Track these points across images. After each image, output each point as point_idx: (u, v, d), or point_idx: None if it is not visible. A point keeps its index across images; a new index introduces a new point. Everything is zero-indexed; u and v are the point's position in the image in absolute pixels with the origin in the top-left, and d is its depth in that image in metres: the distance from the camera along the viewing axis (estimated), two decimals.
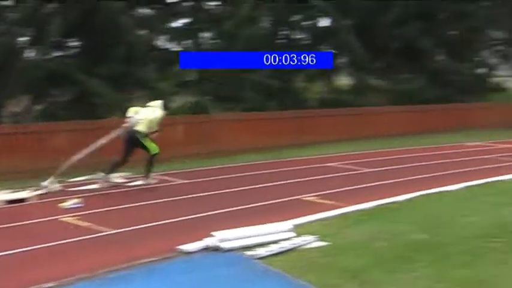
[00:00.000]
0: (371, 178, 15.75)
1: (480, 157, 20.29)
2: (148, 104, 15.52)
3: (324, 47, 31.87)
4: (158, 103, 15.44)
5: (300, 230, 9.78)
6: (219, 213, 11.63)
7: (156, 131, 15.15)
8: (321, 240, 9.25)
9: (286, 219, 10.33)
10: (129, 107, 15.77)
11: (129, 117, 14.95)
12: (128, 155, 14.82)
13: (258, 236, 9.23)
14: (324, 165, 18.18)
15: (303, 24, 31.51)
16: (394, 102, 30.29)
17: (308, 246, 9.03)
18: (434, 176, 16.13)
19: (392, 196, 12.65)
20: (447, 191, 13.51)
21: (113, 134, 15.10)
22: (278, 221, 10.04)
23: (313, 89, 32.57)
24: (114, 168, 14.86)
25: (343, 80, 33.02)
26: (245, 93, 25.21)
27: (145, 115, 14.91)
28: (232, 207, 12.05)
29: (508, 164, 18.65)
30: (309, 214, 11.01)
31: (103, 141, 15.00)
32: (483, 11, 32.08)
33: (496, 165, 18.21)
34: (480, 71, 35.85)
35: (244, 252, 8.70)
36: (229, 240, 8.99)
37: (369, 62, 29.94)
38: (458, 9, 31.72)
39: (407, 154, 20.82)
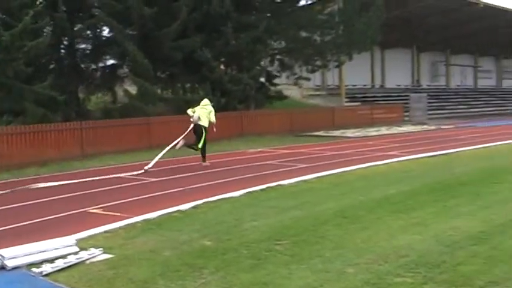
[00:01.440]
0: (157, 188, 15.77)
1: (261, 163, 20.92)
2: (202, 104, 20.91)
3: (107, 57, 31.77)
4: (207, 101, 21.20)
5: (85, 243, 9.61)
6: (4, 230, 11.13)
7: (214, 124, 20.65)
8: (107, 252, 9.14)
9: (72, 233, 10.13)
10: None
11: (191, 115, 20.45)
12: (198, 139, 20.21)
13: (44, 252, 8.93)
14: (109, 176, 17.97)
15: (85, 34, 31.12)
16: (178, 111, 30.60)
17: (94, 259, 8.87)
18: (218, 183, 16.42)
19: (178, 205, 12.73)
20: (231, 197, 13.78)
21: (190, 128, 20.61)
22: (64, 235, 9.81)
23: (97, 100, 32.25)
24: (203, 153, 20.56)
25: (128, 90, 32.83)
26: (26, 105, 24.40)
27: (203, 112, 20.45)
28: (17, 223, 11.61)
29: (288, 168, 19.36)
30: (94, 227, 10.82)
31: (187, 132, 20.73)
32: (264, 22, 33.06)
33: (276, 170, 18.86)
34: (261, 79, 36.96)
35: (30, 270, 8.42)
36: (14, 257, 8.63)
37: (152, 72, 29.99)
38: (240, 21, 32.52)
39: (191, 162, 21.02)
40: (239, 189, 14.62)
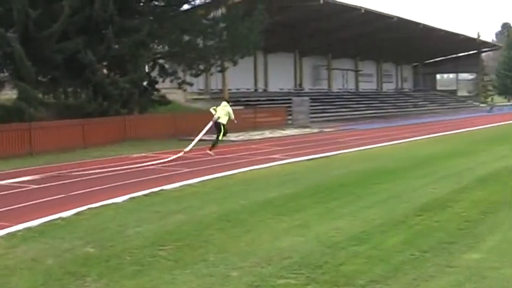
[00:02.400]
0: (39, 195, 15.38)
1: (145, 168, 20.77)
2: (222, 104, 26.75)
3: None
4: (225, 103, 27.10)
5: None
6: None
7: (232, 120, 26.58)
8: None
9: None
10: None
11: (213, 113, 26.06)
12: (218, 133, 25.76)
13: None
14: None
15: None
16: (60, 116, 30.01)
17: None
18: (101, 188, 16.23)
19: (60, 212, 12.51)
20: (114, 203, 13.68)
21: (211, 122, 26.31)
22: None
23: None
24: (215, 143, 25.80)
25: (8, 94, 31.93)
26: None
27: (223, 111, 26.17)
28: None
29: (171, 173, 19.34)
30: None
31: (208, 125, 26.61)
32: (147, 26, 32.79)
33: (160, 175, 18.78)
34: (144, 84, 36.64)
35: None
36: None
37: (34, 75, 29.27)
38: (123, 24, 32.12)
39: (72, 168, 20.62)
40: (122, 195, 14.52)
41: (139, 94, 34.33)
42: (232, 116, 26.53)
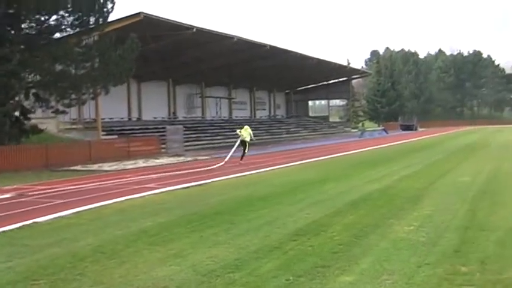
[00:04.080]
0: None
1: (16, 200, 20.24)
2: (244, 127, 36.60)
3: None
4: (247, 126, 37.07)
5: None
6: None
7: (252, 139, 37.11)
8: None
9: None
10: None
11: (239, 134, 36.25)
12: (244, 149, 35.75)
13: None
14: None
15: None
16: None
17: None
18: None
19: None
20: None
21: (238, 141, 36.16)
22: None
23: None
24: (243, 155, 35.68)
25: None
26: None
27: (246, 132, 36.11)
28: None
29: (45, 205, 18.90)
30: None
31: (237, 143, 36.27)
32: (18, 54, 32.08)
33: (33, 207, 18.30)
34: (15, 114, 35.80)
35: None
36: None
37: None
38: None
39: None
40: None
41: (10, 125, 33.48)
42: (252, 136, 37.27)
